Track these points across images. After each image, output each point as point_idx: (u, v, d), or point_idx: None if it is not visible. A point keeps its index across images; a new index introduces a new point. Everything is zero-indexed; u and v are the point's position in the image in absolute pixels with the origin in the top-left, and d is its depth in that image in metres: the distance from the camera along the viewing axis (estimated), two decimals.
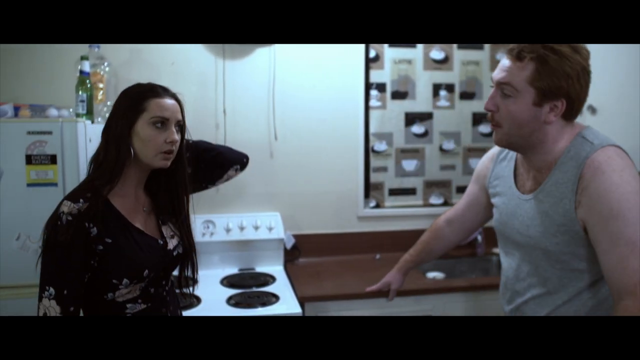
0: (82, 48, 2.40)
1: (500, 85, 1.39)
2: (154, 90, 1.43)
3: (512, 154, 1.57)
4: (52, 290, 1.31)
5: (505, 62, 1.39)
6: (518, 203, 1.49)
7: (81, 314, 1.40)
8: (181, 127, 1.48)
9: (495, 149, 1.65)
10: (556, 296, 1.43)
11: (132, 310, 1.43)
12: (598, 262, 1.32)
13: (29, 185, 1.94)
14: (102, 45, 2.47)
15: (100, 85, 2.40)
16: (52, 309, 1.31)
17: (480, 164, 1.74)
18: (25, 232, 1.94)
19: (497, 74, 1.41)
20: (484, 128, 3.11)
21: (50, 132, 1.93)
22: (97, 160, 1.41)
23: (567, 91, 1.32)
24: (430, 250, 1.95)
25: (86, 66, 2.22)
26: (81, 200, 1.33)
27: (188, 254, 1.56)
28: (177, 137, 1.44)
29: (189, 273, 1.59)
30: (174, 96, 1.46)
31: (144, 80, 1.51)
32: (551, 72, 1.31)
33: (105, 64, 2.48)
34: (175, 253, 1.51)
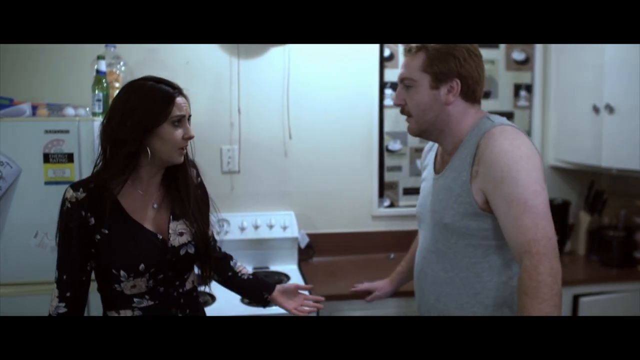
0: (99, 48, 2.42)
1: (402, 81, 1.53)
2: (172, 92, 1.43)
3: (436, 145, 1.67)
4: (57, 274, 1.40)
5: (403, 60, 1.54)
6: (432, 184, 1.60)
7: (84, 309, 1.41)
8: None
9: (428, 145, 1.78)
10: (452, 273, 1.50)
11: (139, 305, 1.44)
12: (490, 237, 1.42)
13: (46, 183, 1.96)
14: (118, 45, 2.49)
15: (117, 85, 2.42)
16: (54, 292, 1.39)
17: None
18: (42, 229, 1.96)
19: (399, 73, 1.54)
20: None
21: (67, 131, 1.95)
22: (105, 159, 1.42)
23: (458, 71, 1.45)
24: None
25: (102, 66, 2.24)
26: (81, 189, 1.39)
27: (202, 253, 1.54)
28: (193, 132, 1.48)
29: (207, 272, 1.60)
30: (181, 91, 1.48)
31: None
32: (439, 56, 1.45)
33: (121, 63, 2.50)
34: (182, 252, 1.48)
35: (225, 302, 2.23)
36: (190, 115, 1.49)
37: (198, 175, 1.62)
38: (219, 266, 1.73)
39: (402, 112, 1.57)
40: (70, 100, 2.31)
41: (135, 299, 1.44)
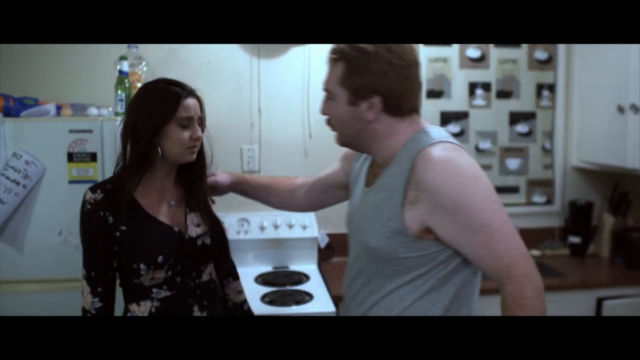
0: (121, 48, 2.45)
1: (324, 90, 1.40)
2: (180, 93, 1.48)
3: None
4: (84, 271, 1.47)
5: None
6: (361, 197, 1.44)
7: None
8: (202, 121, 1.55)
9: None
10: (377, 295, 1.35)
11: (158, 296, 1.50)
12: (420, 263, 1.28)
13: (70, 182, 1.99)
14: (140, 45, 2.52)
15: (138, 85, 2.44)
16: (84, 288, 1.46)
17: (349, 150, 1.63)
18: (66, 228, 1.99)
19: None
20: (522, 127, 3.05)
21: (90, 131, 1.98)
22: (125, 159, 1.49)
23: (376, 87, 1.29)
24: (267, 193, 1.86)
25: (125, 66, 2.27)
26: (99, 190, 1.47)
27: (218, 245, 1.60)
28: (200, 133, 1.51)
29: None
30: (194, 93, 1.52)
31: (180, 79, 1.54)
32: (356, 71, 1.29)
33: (143, 63, 2.52)
34: (199, 242, 1.54)
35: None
36: (200, 117, 1.53)
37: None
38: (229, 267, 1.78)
39: (327, 123, 1.43)
40: (94, 100, 2.33)
41: (154, 290, 1.50)
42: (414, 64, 1.32)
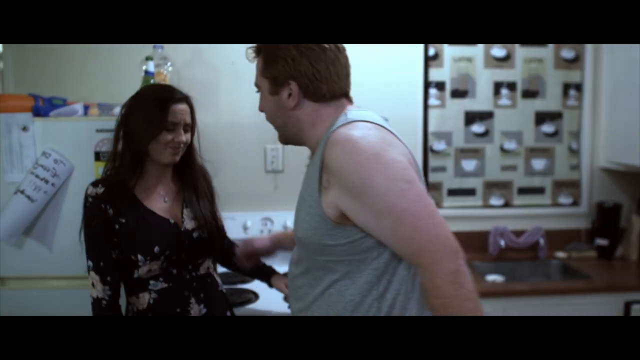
0: (147, 49, 2.48)
1: (255, 85, 1.41)
2: (172, 98, 1.58)
3: None
4: (90, 263, 1.57)
5: None
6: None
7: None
8: (191, 127, 1.65)
9: None
10: (317, 290, 1.30)
11: (155, 288, 1.60)
12: (350, 252, 1.22)
13: None
14: (166, 46, 2.54)
15: None
16: (93, 279, 1.56)
17: None
18: None
19: None
20: (548, 127, 3.01)
21: None
22: (117, 159, 1.61)
23: (290, 73, 1.29)
24: None
25: (151, 66, 2.29)
26: (100, 185, 1.58)
27: (213, 238, 1.69)
28: (183, 138, 1.61)
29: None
30: (186, 99, 1.63)
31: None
32: (270, 59, 1.32)
33: (169, 63, 2.55)
34: (195, 235, 1.64)
35: (268, 300, 2.24)
36: (189, 123, 1.63)
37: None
38: (226, 253, 1.89)
39: (267, 120, 1.43)
40: (120, 100, 2.35)
41: (151, 282, 1.60)
42: (329, 49, 1.31)
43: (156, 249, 1.56)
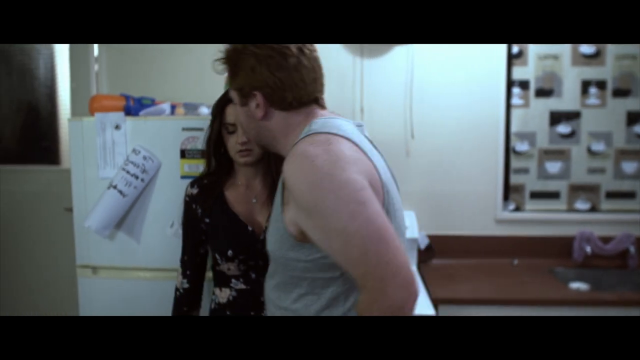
0: None
1: None
2: (229, 99, 1.59)
3: None
4: (181, 254, 1.74)
5: None
6: None
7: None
8: None
9: None
10: (285, 303, 1.26)
11: (235, 287, 1.66)
12: (312, 269, 1.18)
13: (182, 177, 2.10)
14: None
15: None
16: (179, 270, 1.74)
17: None
18: (178, 220, 2.09)
19: None
20: None
21: (201, 129, 2.08)
22: (211, 160, 1.71)
23: (252, 84, 1.24)
24: None
25: None
26: (195, 185, 1.70)
27: None
28: (244, 138, 1.60)
29: None
30: None
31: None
32: (232, 71, 1.29)
33: None
34: None
35: None
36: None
37: None
38: None
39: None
40: (205, 100, 2.45)
41: (232, 280, 1.66)
42: (290, 54, 1.23)
43: (230, 252, 1.61)
